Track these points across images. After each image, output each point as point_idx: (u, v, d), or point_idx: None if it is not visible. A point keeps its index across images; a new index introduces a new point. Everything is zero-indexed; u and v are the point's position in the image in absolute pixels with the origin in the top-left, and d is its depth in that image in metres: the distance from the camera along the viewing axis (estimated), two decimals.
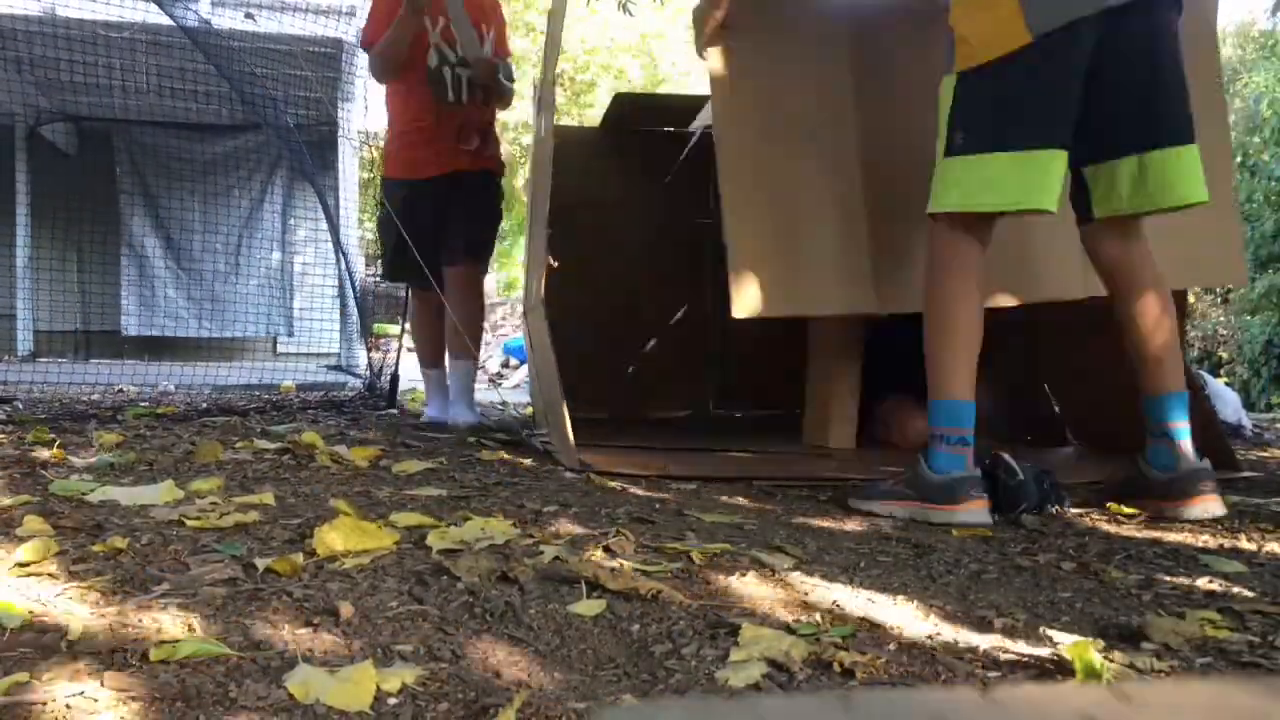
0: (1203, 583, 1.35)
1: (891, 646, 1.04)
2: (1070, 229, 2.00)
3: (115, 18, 5.54)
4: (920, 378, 1.90)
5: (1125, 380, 1.97)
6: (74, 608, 1.08)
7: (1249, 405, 7.39)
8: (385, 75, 3.21)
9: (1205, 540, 1.67)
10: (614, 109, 3.91)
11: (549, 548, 1.40)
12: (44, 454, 2.17)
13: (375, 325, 6.15)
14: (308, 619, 1.07)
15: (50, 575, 1.20)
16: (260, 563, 1.25)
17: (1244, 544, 1.64)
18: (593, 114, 13.52)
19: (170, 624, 1.03)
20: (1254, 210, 9.82)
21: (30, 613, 1.04)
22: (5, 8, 5.56)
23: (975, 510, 1.76)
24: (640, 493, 2.04)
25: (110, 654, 0.93)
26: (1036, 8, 1.76)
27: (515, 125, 13.80)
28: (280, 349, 8.66)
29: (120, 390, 4.79)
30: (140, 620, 1.03)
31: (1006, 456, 1.88)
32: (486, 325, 7.87)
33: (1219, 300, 10.17)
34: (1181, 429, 1.87)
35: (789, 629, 1.07)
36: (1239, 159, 9.93)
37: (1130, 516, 1.86)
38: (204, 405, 3.90)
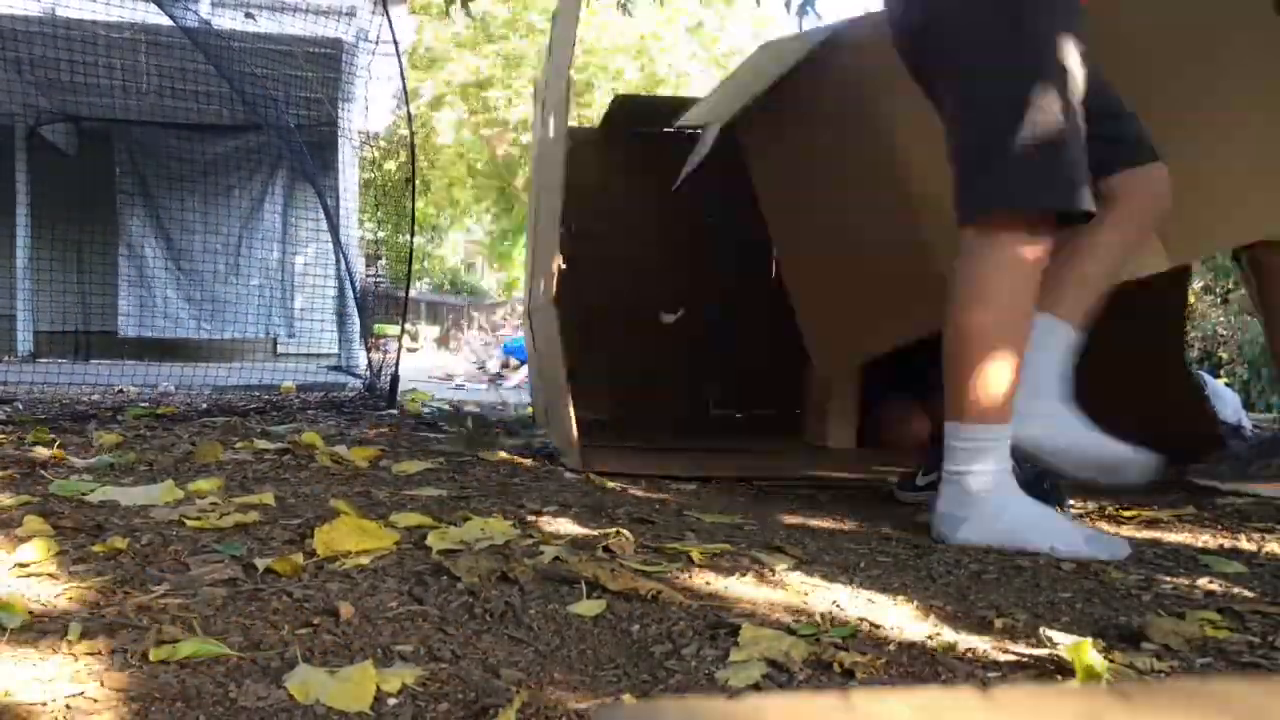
0: (1203, 583, 1.35)
1: (891, 647, 1.04)
2: None
3: (115, 18, 5.54)
4: (920, 378, 1.89)
5: (1124, 371, 1.95)
6: (74, 608, 1.08)
7: (1249, 405, 7.38)
8: None
9: (1205, 540, 1.67)
10: (614, 109, 3.91)
11: (549, 548, 1.39)
12: (44, 454, 2.16)
13: (375, 325, 6.14)
14: (308, 619, 1.07)
15: (50, 575, 1.20)
16: (260, 563, 1.25)
17: (1244, 544, 1.64)
18: (590, 114, 13.51)
19: (170, 624, 1.03)
20: None
21: (30, 613, 1.04)
22: (5, 8, 5.55)
23: None
24: (640, 493, 2.04)
25: (110, 654, 0.93)
26: None
27: (515, 125, 13.81)
28: (280, 349, 8.66)
29: (120, 391, 4.79)
30: (140, 620, 1.03)
31: None
32: (486, 325, 7.84)
33: (1219, 300, 10.15)
34: None
35: (789, 629, 1.07)
36: None
37: (1130, 517, 1.86)
38: (204, 405, 3.90)
